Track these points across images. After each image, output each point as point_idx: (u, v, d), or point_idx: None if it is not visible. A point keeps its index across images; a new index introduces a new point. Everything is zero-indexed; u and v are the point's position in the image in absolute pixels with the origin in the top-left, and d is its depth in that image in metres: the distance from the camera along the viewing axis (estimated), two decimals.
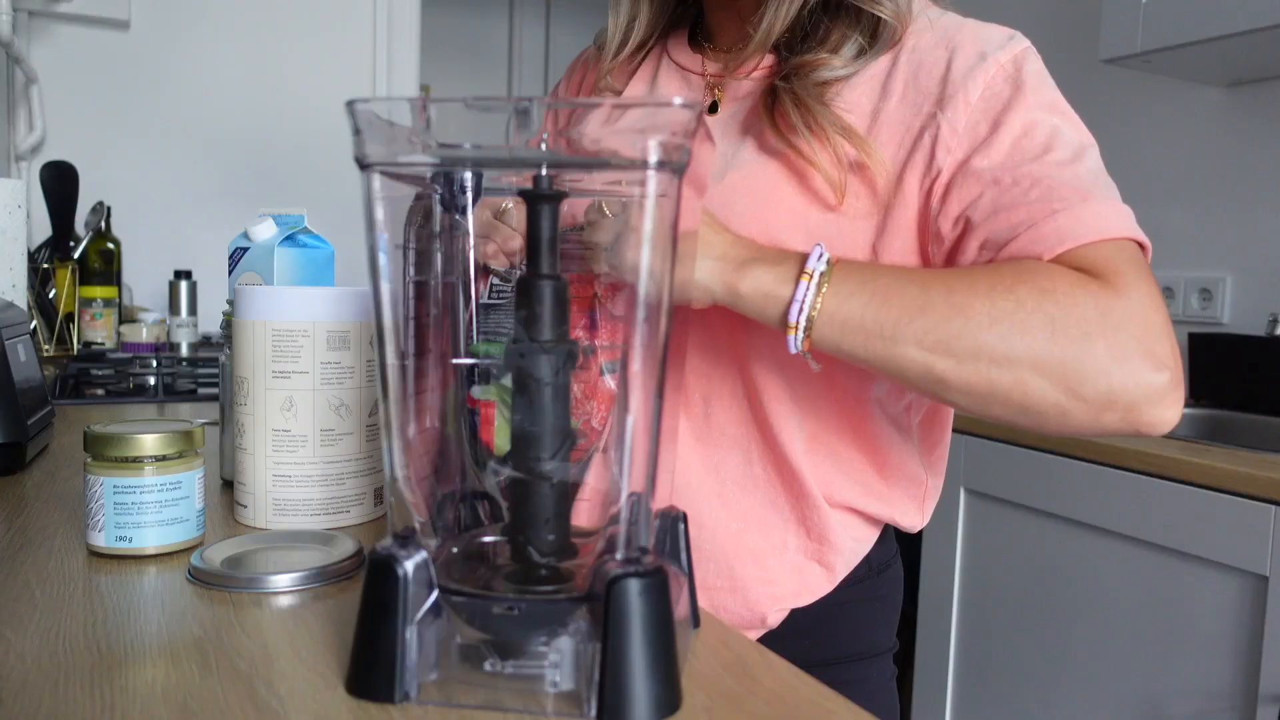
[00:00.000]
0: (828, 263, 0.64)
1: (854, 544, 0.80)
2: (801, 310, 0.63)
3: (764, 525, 0.78)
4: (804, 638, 0.80)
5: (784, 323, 0.64)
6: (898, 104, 0.74)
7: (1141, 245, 0.67)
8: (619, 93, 0.88)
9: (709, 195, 0.76)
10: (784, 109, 0.74)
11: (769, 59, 0.81)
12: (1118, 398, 0.62)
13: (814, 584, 0.79)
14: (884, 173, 0.72)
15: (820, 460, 0.78)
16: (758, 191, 0.75)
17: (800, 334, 0.64)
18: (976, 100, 0.70)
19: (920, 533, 1.77)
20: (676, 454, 0.78)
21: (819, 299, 0.63)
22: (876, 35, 0.76)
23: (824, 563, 0.79)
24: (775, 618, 0.79)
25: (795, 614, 0.80)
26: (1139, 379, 0.62)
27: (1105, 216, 0.65)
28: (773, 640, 0.79)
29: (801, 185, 0.74)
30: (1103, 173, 0.69)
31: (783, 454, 0.77)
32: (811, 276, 0.63)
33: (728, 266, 0.65)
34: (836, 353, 0.65)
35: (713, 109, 0.82)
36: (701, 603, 0.77)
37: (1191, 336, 1.85)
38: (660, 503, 0.50)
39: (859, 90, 0.75)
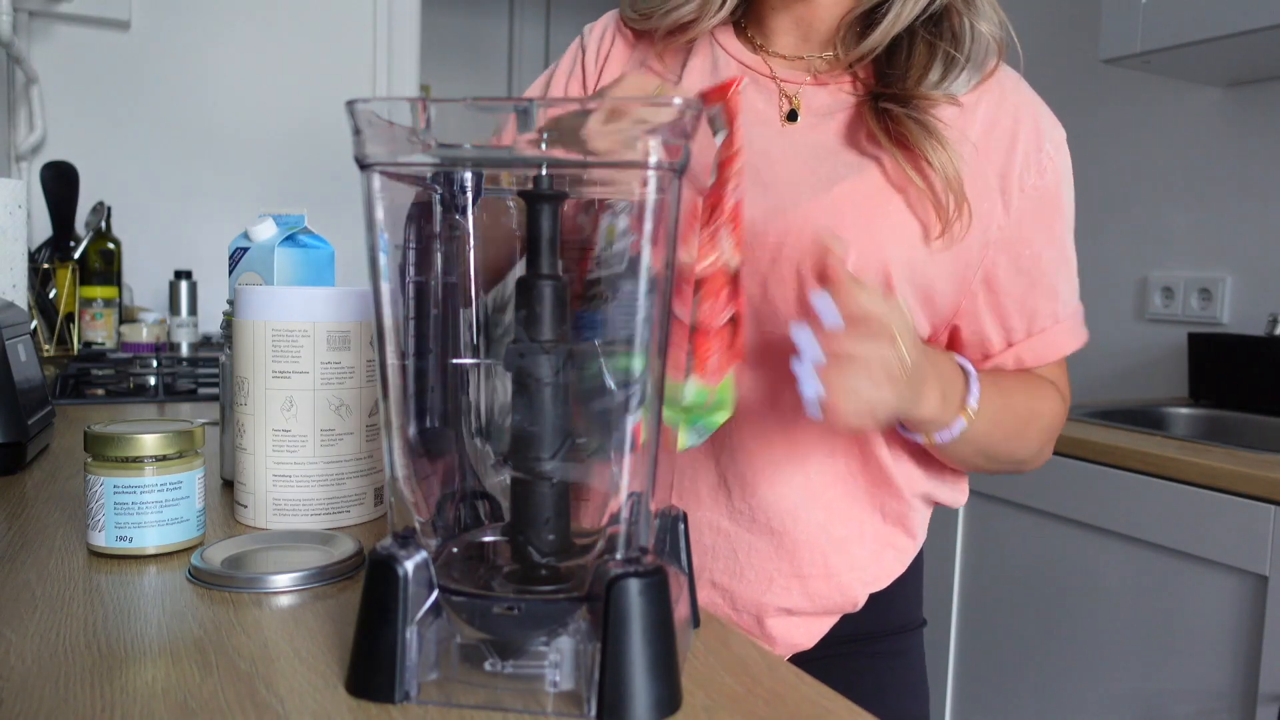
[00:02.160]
0: (980, 394, 0.73)
1: (922, 529, 0.87)
2: (950, 436, 0.73)
3: (846, 516, 0.82)
4: (865, 613, 0.84)
5: (929, 438, 0.74)
6: (975, 153, 0.77)
7: None
8: (677, 81, 0.86)
9: (812, 208, 0.76)
10: (903, 128, 0.75)
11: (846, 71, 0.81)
12: (1023, 471, 0.86)
13: (890, 568, 0.84)
14: (967, 212, 0.76)
15: (901, 455, 0.82)
16: (865, 206, 0.76)
17: (930, 441, 0.74)
18: (1029, 189, 0.78)
19: None
20: (762, 442, 0.81)
21: (964, 431, 0.73)
22: (964, 49, 0.77)
23: (898, 547, 0.85)
24: (863, 599, 0.83)
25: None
26: (1041, 464, 0.86)
27: (1078, 331, 0.83)
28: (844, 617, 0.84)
29: (905, 204, 0.76)
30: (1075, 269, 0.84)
31: (869, 450, 0.81)
32: (969, 413, 0.73)
33: (924, 391, 0.69)
34: (940, 450, 0.77)
35: (792, 117, 0.81)
36: (795, 591, 0.81)
37: (1191, 336, 1.84)
38: (660, 503, 0.50)
39: (950, 113, 0.77)
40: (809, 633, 0.82)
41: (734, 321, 0.63)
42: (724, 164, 0.62)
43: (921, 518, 0.86)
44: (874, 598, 0.84)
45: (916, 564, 0.89)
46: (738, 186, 0.62)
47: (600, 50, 0.91)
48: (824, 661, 0.83)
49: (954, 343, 0.83)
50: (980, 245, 0.77)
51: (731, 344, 0.63)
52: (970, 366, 0.75)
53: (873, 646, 0.85)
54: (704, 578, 0.82)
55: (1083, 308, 0.84)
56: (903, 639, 0.88)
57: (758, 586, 0.81)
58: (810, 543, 0.81)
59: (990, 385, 0.76)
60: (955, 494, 0.87)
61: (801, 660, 0.83)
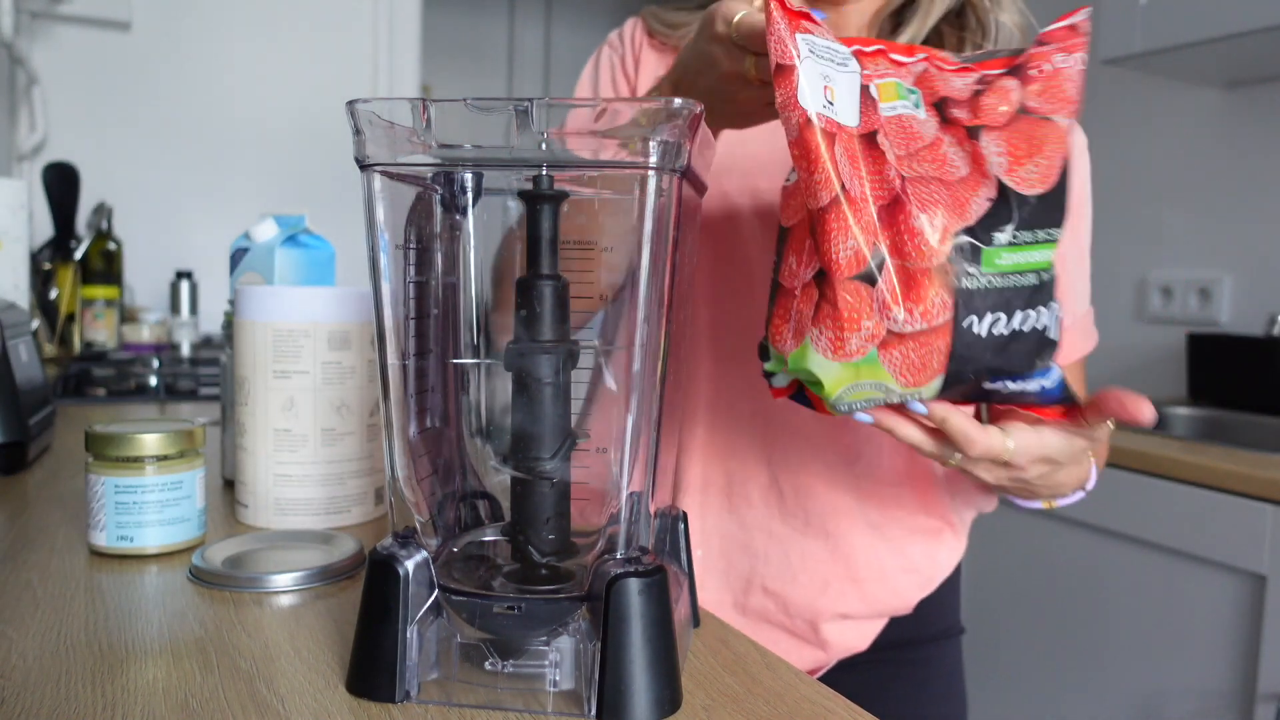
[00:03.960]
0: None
1: (966, 530, 0.85)
2: (1068, 502, 0.71)
3: (898, 516, 0.81)
4: (911, 618, 0.83)
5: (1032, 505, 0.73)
6: None
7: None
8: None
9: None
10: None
11: None
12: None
13: (942, 567, 0.83)
14: None
15: None
16: None
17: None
18: None
19: None
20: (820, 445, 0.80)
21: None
22: (990, 40, 0.78)
23: (948, 546, 0.84)
24: (915, 600, 0.83)
25: None
26: None
27: (1089, 333, 0.81)
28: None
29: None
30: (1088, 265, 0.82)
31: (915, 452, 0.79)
32: (1086, 487, 0.71)
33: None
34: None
35: None
36: (850, 595, 0.80)
37: (1190, 337, 1.85)
38: (660, 502, 0.50)
39: None
40: (863, 635, 0.82)
41: (821, 281, 0.51)
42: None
43: (966, 519, 0.85)
44: (929, 601, 0.84)
45: (956, 570, 0.88)
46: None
47: (633, 53, 0.91)
48: (867, 667, 0.83)
49: None
50: None
51: (812, 307, 0.52)
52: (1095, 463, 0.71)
53: (914, 653, 0.85)
54: (755, 584, 0.82)
55: (1093, 310, 0.82)
56: (943, 646, 0.88)
57: (812, 591, 0.80)
58: (865, 545, 0.80)
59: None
60: (990, 499, 0.85)
61: (848, 665, 0.83)
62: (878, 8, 0.81)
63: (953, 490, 0.83)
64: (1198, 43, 1.63)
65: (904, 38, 0.78)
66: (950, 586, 0.87)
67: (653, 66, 0.90)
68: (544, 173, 0.47)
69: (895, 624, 0.83)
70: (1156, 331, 2.07)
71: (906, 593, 0.82)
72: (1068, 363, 0.79)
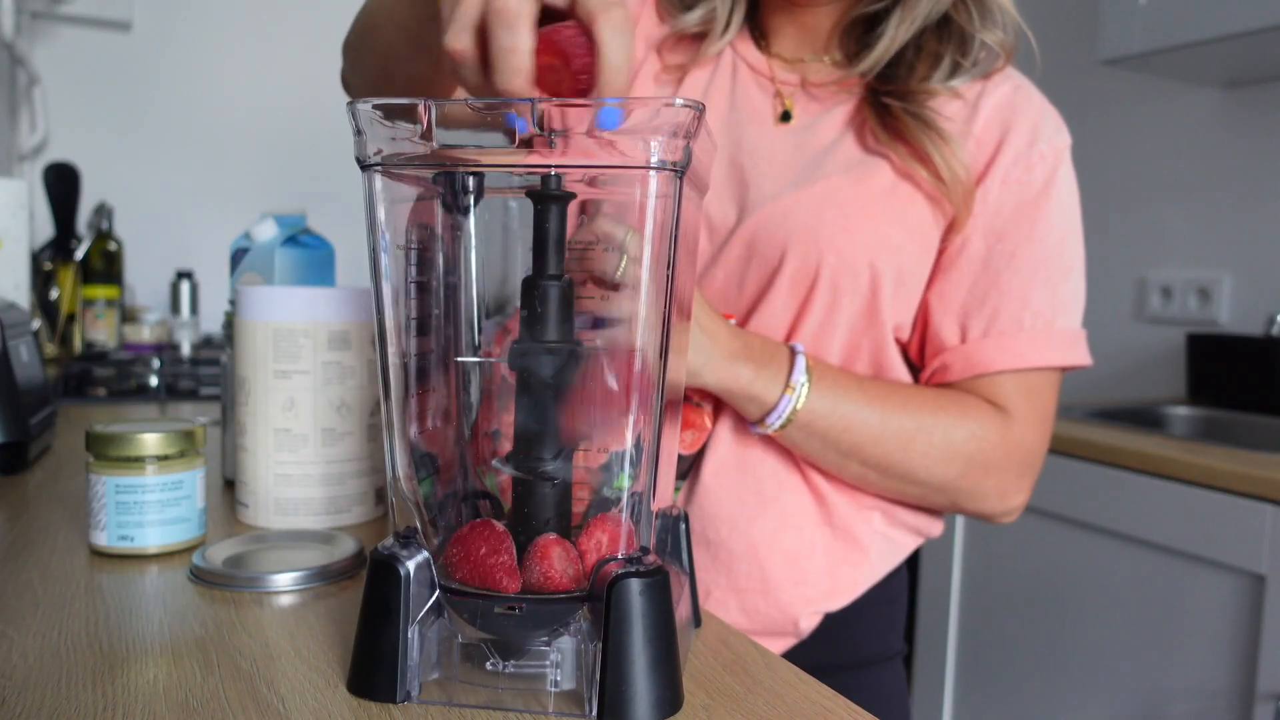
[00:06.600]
0: (807, 372, 0.71)
1: (882, 550, 0.81)
2: (780, 418, 0.72)
3: (797, 525, 0.78)
4: (818, 643, 0.79)
5: (760, 421, 0.73)
6: (974, 147, 0.77)
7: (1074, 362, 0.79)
8: (679, 79, 0.85)
9: (788, 202, 0.76)
10: (901, 124, 0.75)
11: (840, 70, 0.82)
12: (984, 514, 0.79)
13: (843, 587, 0.79)
14: (969, 209, 0.76)
15: None
16: (849, 204, 0.75)
17: (769, 430, 0.73)
18: (1013, 183, 0.76)
19: None
20: (705, 451, 0.79)
21: (795, 412, 0.71)
22: (971, 56, 0.78)
23: (853, 564, 0.79)
24: (808, 622, 0.78)
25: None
26: (1006, 506, 0.79)
27: (1055, 346, 0.77)
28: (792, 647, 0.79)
29: (902, 205, 0.76)
30: (1080, 290, 0.79)
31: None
32: (795, 390, 0.71)
33: (719, 363, 0.69)
34: (790, 445, 0.75)
35: (785, 118, 0.81)
36: (732, 607, 0.77)
37: (1189, 337, 1.85)
38: (660, 502, 0.50)
39: (952, 107, 0.78)
40: None
41: None
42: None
43: (881, 537, 0.80)
44: (840, 625, 0.79)
45: (896, 589, 0.85)
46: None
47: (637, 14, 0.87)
48: None
49: (917, 336, 0.80)
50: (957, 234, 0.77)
51: None
52: (799, 346, 0.73)
53: (841, 680, 0.79)
54: None
55: (1073, 330, 0.78)
56: (877, 671, 0.83)
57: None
58: (748, 554, 0.76)
59: (844, 378, 0.73)
60: (923, 520, 0.82)
61: None
62: (839, 15, 0.81)
63: (866, 502, 0.79)
64: (1197, 43, 1.63)
65: (880, 46, 0.77)
66: (885, 606, 0.83)
67: (644, 37, 0.86)
68: (553, 172, 0.47)
69: (808, 649, 0.79)
70: (1156, 331, 2.07)
71: (792, 608, 0.77)
72: (1004, 366, 0.76)
